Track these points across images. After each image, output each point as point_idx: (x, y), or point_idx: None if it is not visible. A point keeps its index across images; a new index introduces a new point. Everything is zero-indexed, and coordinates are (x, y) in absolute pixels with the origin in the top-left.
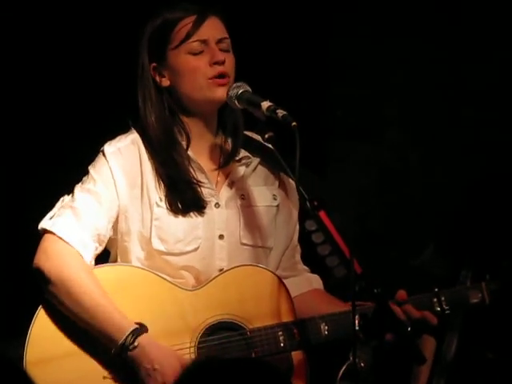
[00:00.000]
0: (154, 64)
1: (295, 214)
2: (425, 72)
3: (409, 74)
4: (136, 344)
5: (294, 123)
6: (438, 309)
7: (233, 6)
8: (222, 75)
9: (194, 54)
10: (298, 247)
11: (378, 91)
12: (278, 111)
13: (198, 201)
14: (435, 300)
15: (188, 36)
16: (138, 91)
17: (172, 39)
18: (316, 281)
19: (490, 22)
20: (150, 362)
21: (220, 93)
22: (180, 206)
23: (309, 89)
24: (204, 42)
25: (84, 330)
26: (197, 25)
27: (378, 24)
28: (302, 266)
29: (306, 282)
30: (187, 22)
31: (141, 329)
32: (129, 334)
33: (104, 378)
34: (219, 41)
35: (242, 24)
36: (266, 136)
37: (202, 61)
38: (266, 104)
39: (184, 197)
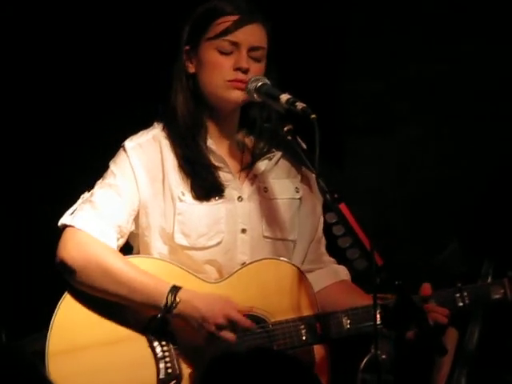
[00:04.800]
0: (187, 47)
1: (319, 206)
2: (438, 66)
3: (423, 69)
4: (178, 300)
5: (313, 115)
6: (461, 304)
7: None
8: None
9: (222, 53)
10: (323, 239)
11: (393, 86)
12: (297, 104)
13: (218, 185)
14: (458, 295)
15: (224, 33)
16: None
17: (209, 30)
18: (343, 271)
19: (505, 12)
20: (198, 312)
21: (235, 95)
22: (202, 192)
23: (323, 84)
24: (236, 44)
25: (110, 319)
26: (236, 26)
27: (391, 19)
28: (328, 258)
29: (332, 274)
30: (229, 20)
31: (178, 286)
32: (168, 293)
33: (138, 360)
34: (252, 49)
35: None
36: (285, 129)
37: (228, 62)
38: (284, 97)
39: (205, 182)
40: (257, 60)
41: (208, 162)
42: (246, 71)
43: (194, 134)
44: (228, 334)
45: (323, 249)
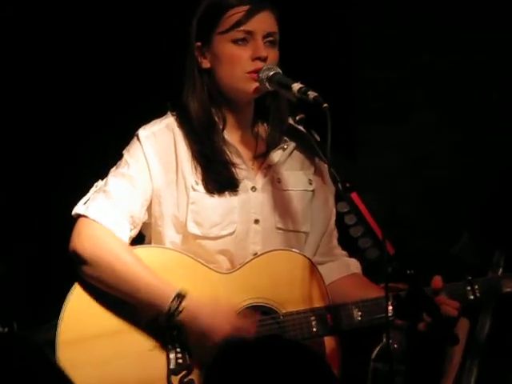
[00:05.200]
0: (199, 44)
1: (331, 199)
2: (452, 54)
3: (436, 57)
4: (181, 308)
5: (325, 105)
6: (472, 297)
7: None
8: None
9: (239, 45)
10: (335, 232)
11: (406, 74)
12: (309, 93)
13: (232, 181)
14: (469, 288)
15: (236, 25)
16: (184, 66)
17: (221, 24)
18: (354, 265)
19: None
20: (198, 325)
21: (255, 87)
22: (215, 186)
23: (336, 72)
24: (250, 33)
25: (121, 308)
26: (248, 16)
27: (404, 7)
28: (339, 251)
29: (343, 267)
30: (239, 11)
31: (184, 293)
32: (173, 300)
33: (149, 350)
34: (267, 35)
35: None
36: (297, 118)
37: (245, 52)
38: (297, 86)
39: (219, 177)
40: (273, 45)
41: (223, 158)
42: (265, 59)
43: (208, 130)
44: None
45: (335, 241)
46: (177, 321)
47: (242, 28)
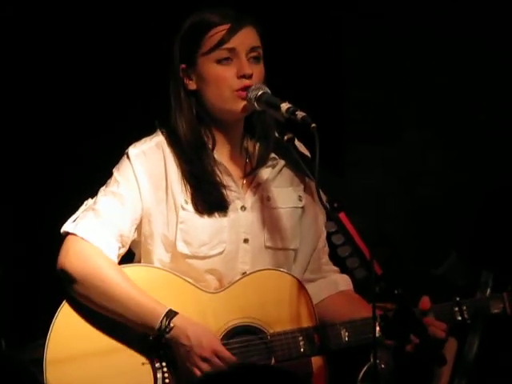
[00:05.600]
0: (184, 66)
1: (322, 215)
2: (441, 73)
3: (425, 76)
4: (172, 325)
5: (313, 125)
6: (459, 318)
7: (248, 10)
8: (247, 88)
9: (223, 64)
10: (326, 248)
11: (394, 93)
12: (298, 113)
13: (222, 202)
14: (456, 309)
15: (219, 44)
16: (169, 89)
17: (203, 44)
18: (343, 282)
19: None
20: (188, 340)
21: (243, 106)
22: (205, 206)
23: (325, 92)
24: (234, 51)
25: (109, 327)
26: (230, 33)
27: (393, 26)
28: (330, 267)
29: (332, 285)
30: (221, 30)
31: (175, 311)
32: (163, 317)
33: (141, 365)
34: (250, 50)
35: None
36: (286, 138)
37: (230, 71)
38: (285, 105)
39: (209, 197)
40: (257, 60)
41: (213, 178)
42: (250, 76)
43: (197, 150)
44: (205, 367)
45: (326, 258)
46: (167, 338)
47: (224, 46)
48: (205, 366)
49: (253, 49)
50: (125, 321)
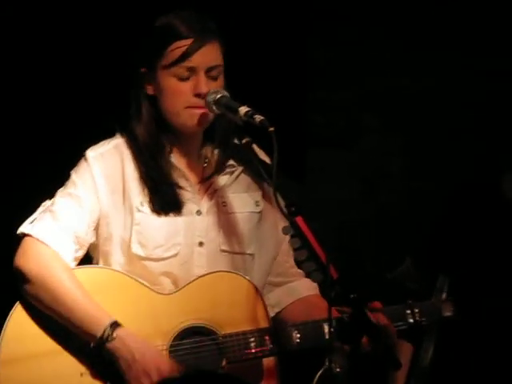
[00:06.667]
0: (144, 69)
1: (283, 220)
2: (405, 78)
3: (388, 80)
4: (114, 336)
5: (271, 128)
6: (411, 320)
7: (211, 9)
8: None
9: (180, 79)
10: (291, 252)
11: (357, 97)
12: (256, 116)
13: (177, 202)
14: (408, 312)
15: (179, 60)
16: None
17: (164, 57)
18: (304, 287)
19: (478, 25)
20: (130, 353)
21: (194, 122)
22: (160, 205)
23: (286, 95)
24: (193, 69)
25: (60, 329)
26: (191, 51)
27: (357, 28)
28: (296, 271)
29: (291, 293)
30: (183, 44)
31: (120, 323)
32: (107, 327)
33: (81, 374)
34: (210, 69)
35: (219, 28)
36: (243, 141)
37: (187, 87)
38: (243, 109)
39: (164, 197)
40: (215, 78)
41: (169, 180)
42: (204, 97)
43: (154, 153)
44: (147, 382)
45: (292, 261)
46: (108, 348)
47: (184, 64)
48: (147, 382)
49: (212, 68)
50: (70, 326)
